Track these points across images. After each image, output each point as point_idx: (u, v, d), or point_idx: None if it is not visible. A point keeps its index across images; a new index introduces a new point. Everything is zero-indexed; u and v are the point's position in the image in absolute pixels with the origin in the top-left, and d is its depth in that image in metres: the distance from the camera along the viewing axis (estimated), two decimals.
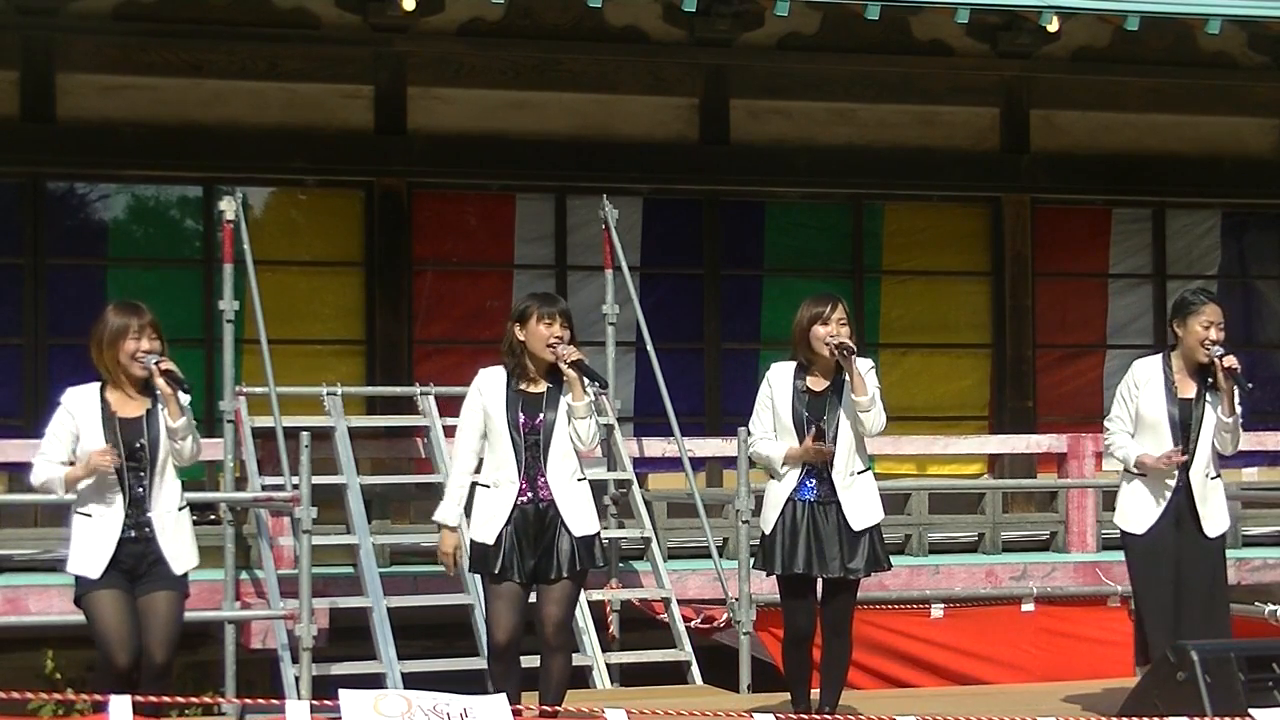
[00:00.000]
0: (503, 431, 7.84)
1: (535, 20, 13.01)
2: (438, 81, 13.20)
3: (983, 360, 14.42)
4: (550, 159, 13.32)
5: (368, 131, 13.09)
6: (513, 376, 7.92)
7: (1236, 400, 8.37)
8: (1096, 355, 14.63)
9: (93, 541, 7.57)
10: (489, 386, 7.93)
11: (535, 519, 7.82)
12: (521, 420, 7.85)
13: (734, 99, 13.76)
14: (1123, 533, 8.57)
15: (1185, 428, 8.40)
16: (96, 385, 7.72)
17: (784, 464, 8.18)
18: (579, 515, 7.88)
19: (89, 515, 7.61)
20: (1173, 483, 8.41)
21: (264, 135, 12.81)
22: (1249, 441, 13.26)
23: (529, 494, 7.84)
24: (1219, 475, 8.56)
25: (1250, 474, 14.20)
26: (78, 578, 7.62)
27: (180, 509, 7.73)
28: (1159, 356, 8.61)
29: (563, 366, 7.82)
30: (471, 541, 7.94)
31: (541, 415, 7.86)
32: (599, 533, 8.01)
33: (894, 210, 14.35)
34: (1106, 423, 8.66)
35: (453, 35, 13.12)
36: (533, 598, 7.96)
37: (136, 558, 7.58)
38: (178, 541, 7.68)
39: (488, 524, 7.84)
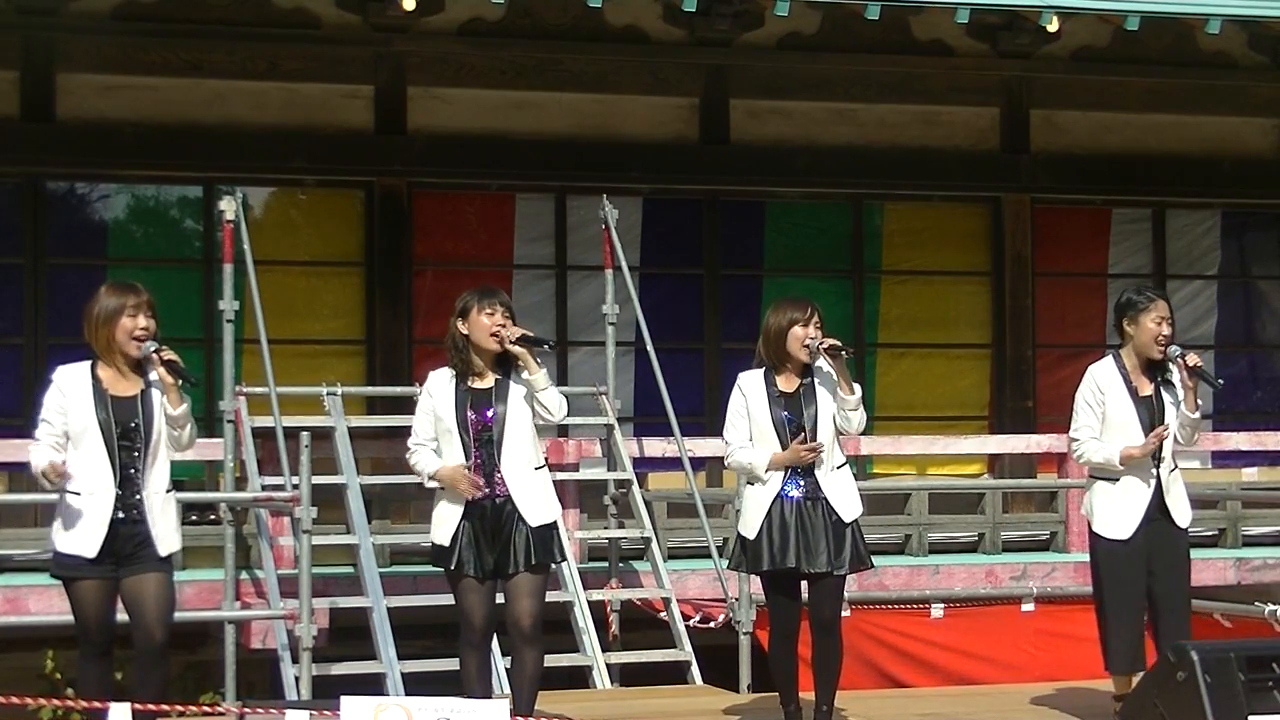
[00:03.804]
0: (453, 432, 7.85)
1: (535, 20, 13.01)
2: (438, 81, 13.20)
3: (982, 360, 14.42)
4: (550, 159, 13.33)
5: (368, 131, 13.09)
6: (460, 375, 7.92)
7: (1198, 396, 8.42)
8: (1096, 355, 14.38)
9: (84, 521, 7.52)
10: (438, 389, 7.94)
11: (492, 515, 7.83)
12: (471, 419, 7.85)
13: (734, 99, 13.76)
14: (1099, 537, 8.56)
15: (1151, 425, 8.43)
16: (87, 364, 7.68)
17: (767, 470, 8.15)
18: (535, 505, 7.88)
19: (79, 494, 7.56)
20: (1151, 482, 8.43)
21: (264, 135, 12.81)
22: (1249, 441, 13.34)
23: (485, 489, 7.84)
24: (1177, 467, 8.59)
25: (1250, 474, 14.20)
26: (64, 555, 7.57)
27: (168, 491, 7.71)
28: (1110, 360, 8.65)
29: (509, 348, 7.83)
30: (431, 542, 7.98)
31: (492, 410, 7.86)
32: (557, 521, 8.00)
33: (894, 210, 14.35)
34: (1073, 433, 8.65)
35: (453, 35, 13.12)
36: (499, 598, 7.98)
37: (125, 539, 7.56)
38: (165, 523, 7.65)
39: (442, 525, 7.87)
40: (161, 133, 12.64)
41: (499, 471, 7.86)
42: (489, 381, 7.92)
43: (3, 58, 12.42)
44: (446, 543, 7.85)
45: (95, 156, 12.59)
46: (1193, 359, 8.41)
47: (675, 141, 13.68)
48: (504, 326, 7.85)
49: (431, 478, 7.88)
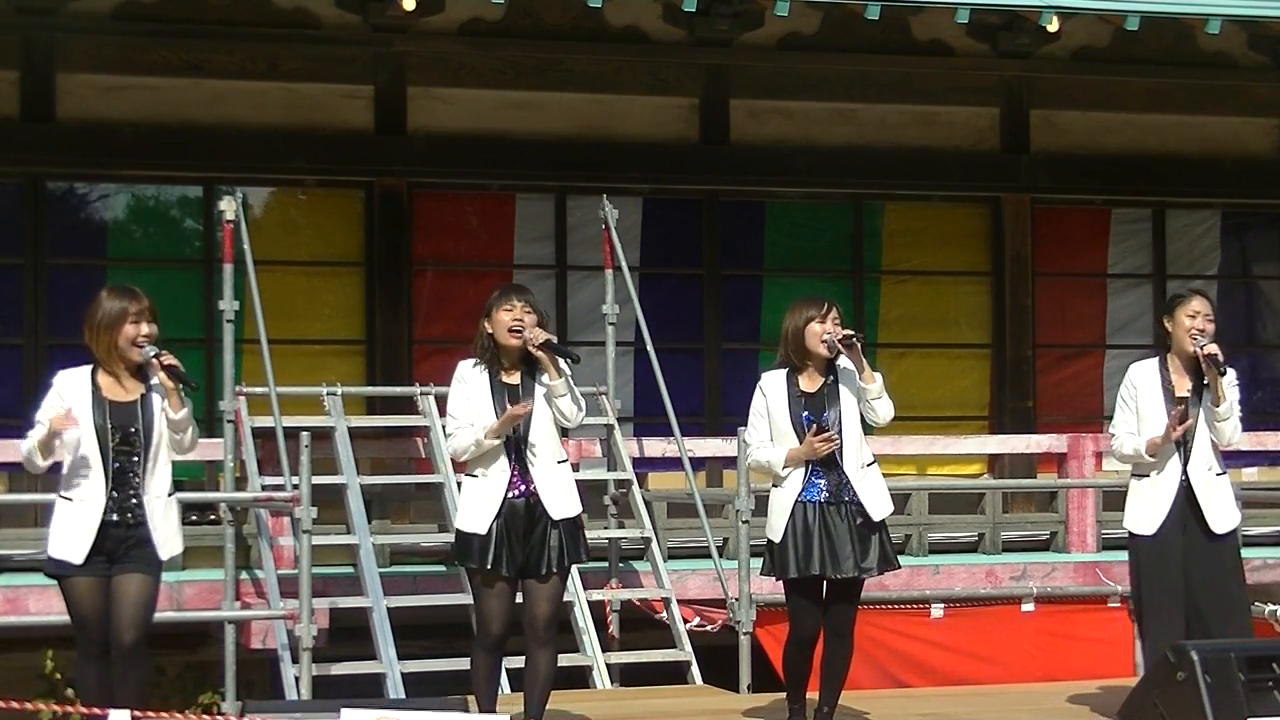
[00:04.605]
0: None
1: (535, 20, 13.01)
2: (438, 81, 13.20)
3: (983, 360, 14.42)
4: (550, 159, 13.33)
5: (368, 131, 13.09)
6: (489, 371, 7.96)
7: (1225, 389, 8.34)
8: (1096, 355, 14.63)
9: (75, 525, 7.53)
10: (471, 377, 7.98)
11: (525, 513, 7.87)
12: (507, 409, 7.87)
13: (734, 99, 13.76)
14: (1130, 534, 8.54)
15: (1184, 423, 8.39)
16: (88, 368, 7.70)
17: (785, 466, 8.11)
18: (560, 499, 7.92)
19: (70, 499, 7.58)
20: (1176, 481, 8.39)
21: (264, 135, 12.81)
22: (1249, 441, 13.30)
23: (520, 487, 7.89)
24: (1224, 472, 8.53)
25: (1250, 474, 14.19)
26: (54, 559, 7.58)
27: (170, 495, 7.72)
28: (1155, 359, 8.62)
29: (532, 350, 7.87)
30: (459, 532, 7.97)
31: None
32: (580, 515, 8.03)
33: (894, 210, 14.35)
34: (1111, 429, 8.65)
35: (453, 35, 13.12)
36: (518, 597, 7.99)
37: (118, 541, 7.55)
38: (166, 526, 7.66)
39: (479, 514, 7.87)
40: (161, 133, 12.64)
41: (529, 467, 7.90)
42: (516, 378, 7.97)
43: (3, 58, 12.42)
44: (484, 531, 7.82)
45: (95, 156, 12.59)
46: (1209, 348, 8.32)
47: (675, 141, 13.68)
48: (522, 321, 7.88)
49: (486, 437, 7.81)
